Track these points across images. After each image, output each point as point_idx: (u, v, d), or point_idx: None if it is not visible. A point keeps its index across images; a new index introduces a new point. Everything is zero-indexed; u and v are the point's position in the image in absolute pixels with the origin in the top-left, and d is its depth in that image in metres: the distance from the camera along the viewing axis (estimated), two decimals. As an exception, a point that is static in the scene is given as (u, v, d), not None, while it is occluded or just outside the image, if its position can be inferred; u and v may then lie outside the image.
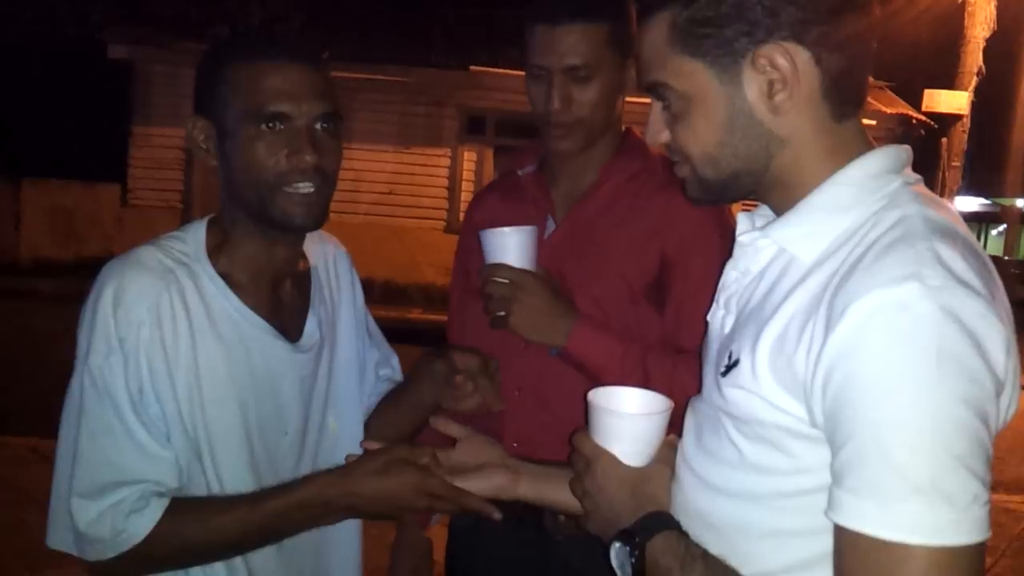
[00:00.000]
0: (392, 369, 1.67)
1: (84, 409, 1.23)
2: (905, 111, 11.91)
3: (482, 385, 1.47)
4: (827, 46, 0.95)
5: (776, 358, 0.93)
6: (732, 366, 1.00)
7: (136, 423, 1.23)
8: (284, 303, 1.41)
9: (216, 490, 1.29)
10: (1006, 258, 23.93)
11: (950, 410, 0.81)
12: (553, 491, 1.27)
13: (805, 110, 0.97)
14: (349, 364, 1.52)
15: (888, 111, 11.56)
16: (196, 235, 1.35)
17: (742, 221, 1.12)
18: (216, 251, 1.35)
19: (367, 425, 1.57)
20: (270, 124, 1.27)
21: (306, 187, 1.30)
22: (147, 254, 1.29)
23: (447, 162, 12.09)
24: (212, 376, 1.28)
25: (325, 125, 1.32)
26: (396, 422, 1.58)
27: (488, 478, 1.29)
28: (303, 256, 1.47)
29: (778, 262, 1.02)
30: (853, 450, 0.84)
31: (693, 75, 0.98)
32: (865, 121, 1.03)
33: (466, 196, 11.59)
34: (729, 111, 0.98)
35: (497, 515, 1.28)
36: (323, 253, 1.53)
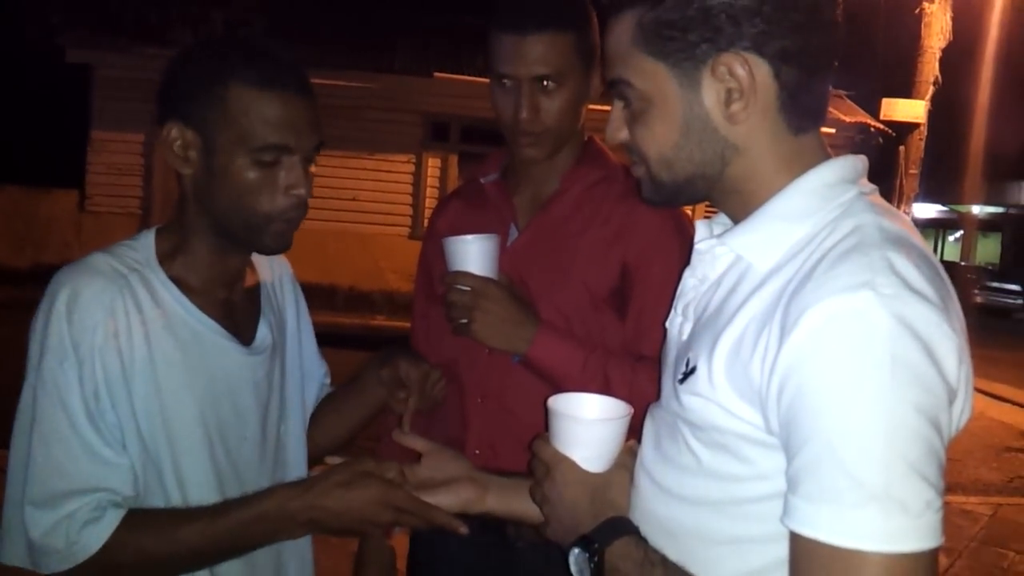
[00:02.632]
0: (329, 381, 1.68)
1: (37, 417, 1.21)
2: (864, 120, 12.09)
3: (422, 395, 1.49)
4: (787, 61, 0.96)
5: (732, 365, 0.94)
6: (689, 373, 1.00)
7: (90, 430, 1.21)
8: (236, 308, 1.40)
9: (177, 496, 1.27)
10: (963, 263, 24.38)
11: (904, 418, 0.82)
12: (521, 503, 1.26)
13: (761, 121, 0.98)
14: (294, 373, 1.52)
15: (847, 120, 11.73)
16: (146, 243, 1.34)
17: (700, 229, 1.13)
18: (168, 257, 1.33)
19: (311, 427, 1.57)
20: (270, 156, 1.26)
21: (292, 221, 1.32)
22: (100, 260, 1.28)
23: (411, 168, 12.06)
24: (170, 379, 1.27)
25: (313, 156, 1.33)
26: (340, 422, 1.59)
27: (455, 493, 1.29)
28: (251, 263, 1.47)
29: (735, 269, 1.03)
30: (808, 457, 0.85)
31: (654, 76, 0.99)
32: (824, 130, 1.04)
33: (430, 203, 11.56)
34: (686, 115, 0.99)
35: (464, 530, 1.27)
36: (269, 263, 1.53)
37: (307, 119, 1.29)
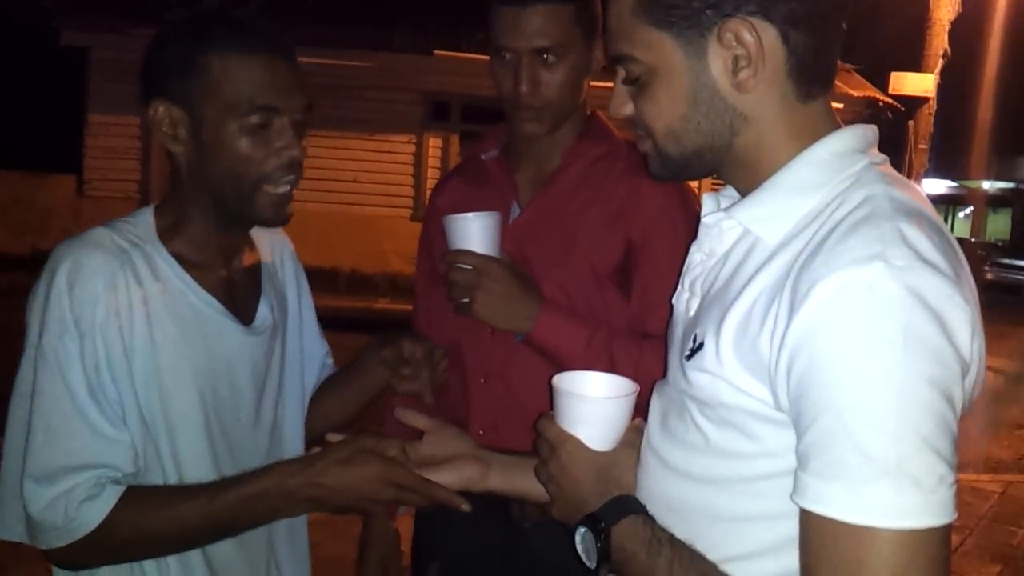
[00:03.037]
0: (331, 362, 1.67)
1: (37, 392, 1.20)
2: (872, 94, 12.02)
3: (423, 375, 1.49)
4: (795, 24, 0.93)
5: (740, 341, 0.92)
6: (696, 349, 0.99)
7: (91, 405, 1.20)
8: (236, 286, 1.40)
9: (173, 475, 1.26)
10: (973, 239, 24.31)
11: (916, 391, 0.80)
12: (524, 481, 1.25)
13: (770, 88, 0.96)
14: (294, 355, 1.51)
15: (855, 94, 11.67)
16: (145, 219, 1.33)
17: (707, 202, 1.11)
18: (167, 233, 1.33)
19: (310, 409, 1.56)
20: (258, 118, 1.26)
21: (287, 183, 1.30)
22: (101, 234, 1.27)
23: (412, 149, 12.01)
24: (169, 356, 1.26)
25: (303, 119, 1.31)
26: (340, 405, 1.59)
27: (458, 470, 1.28)
28: (252, 243, 1.46)
29: (743, 243, 1.01)
30: (818, 433, 0.83)
31: (659, 47, 0.97)
32: (833, 104, 1.02)
33: (432, 183, 11.51)
34: (693, 85, 0.97)
35: (466, 507, 1.26)
36: (270, 242, 1.52)
37: (291, 80, 1.29)
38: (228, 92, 1.25)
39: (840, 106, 11.07)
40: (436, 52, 11.18)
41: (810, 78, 0.97)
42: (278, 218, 1.34)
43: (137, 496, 1.21)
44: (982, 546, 4.59)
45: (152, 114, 1.29)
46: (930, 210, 0.93)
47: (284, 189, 1.31)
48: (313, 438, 1.54)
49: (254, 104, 1.26)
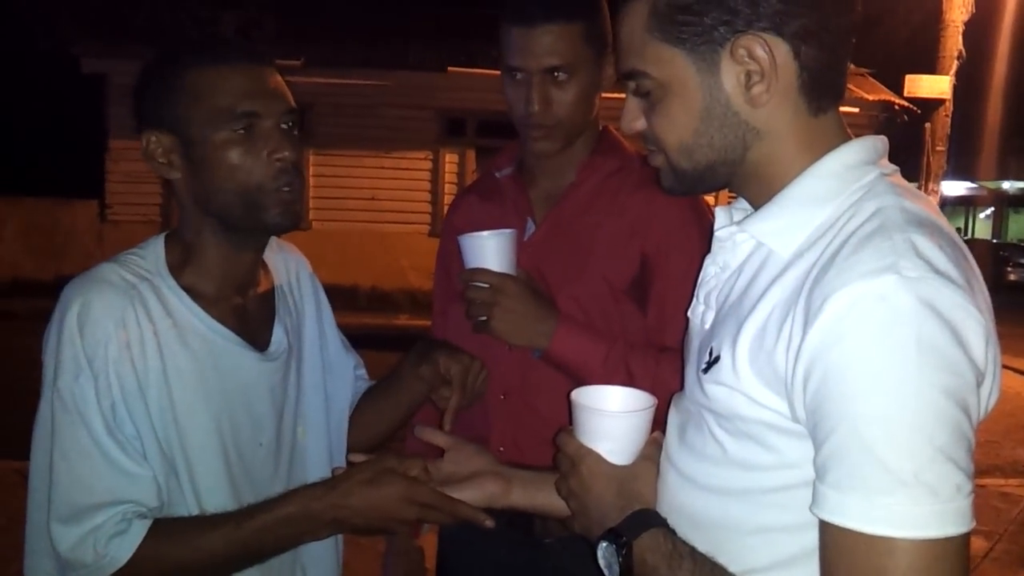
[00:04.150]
0: (363, 372, 1.67)
1: (56, 433, 1.21)
2: (887, 97, 11.95)
3: (464, 390, 1.48)
4: (806, 40, 0.94)
5: (756, 354, 0.93)
6: (713, 362, 0.99)
7: (111, 443, 1.21)
8: (250, 313, 1.40)
9: (194, 505, 1.27)
10: (995, 240, 24.04)
11: (931, 402, 0.81)
12: (546, 497, 1.26)
13: (782, 103, 0.97)
14: (315, 374, 1.51)
15: (870, 98, 11.60)
16: (155, 250, 1.34)
17: (720, 215, 1.11)
18: (178, 265, 1.34)
19: (353, 422, 1.56)
20: (241, 126, 1.27)
21: (288, 188, 1.30)
22: (108, 271, 1.28)
23: (428, 165, 12.07)
24: (183, 390, 1.27)
25: (289, 123, 1.32)
26: (380, 418, 1.58)
27: (480, 487, 1.28)
28: (265, 266, 1.46)
29: (756, 256, 1.02)
30: (835, 444, 0.84)
31: (671, 63, 0.98)
32: (848, 108, 1.03)
33: (449, 199, 11.46)
34: (706, 101, 0.98)
35: (490, 523, 1.26)
36: (284, 262, 1.52)
37: (268, 85, 1.30)
38: (209, 105, 1.26)
39: (856, 110, 11.02)
40: (450, 69, 11.25)
41: (821, 92, 0.98)
42: (288, 220, 1.32)
43: (164, 529, 1.22)
44: (1012, 552, 4.52)
45: (144, 146, 1.30)
46: (941, 220, 0.94)
47: (284, 193, 1.30)
48: (360, 450, 1.53)
49: (235, 111, 1.26)
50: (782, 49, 0.94)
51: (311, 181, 11.34)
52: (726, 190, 1.09)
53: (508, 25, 1.61)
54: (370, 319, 9.95)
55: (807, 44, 0.94)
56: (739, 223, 1.05)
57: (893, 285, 0.83)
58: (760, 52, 0.94)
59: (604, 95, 1.71)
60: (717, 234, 1.09)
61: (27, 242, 11.52)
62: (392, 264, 11.51)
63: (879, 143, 1.01)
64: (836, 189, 0.96)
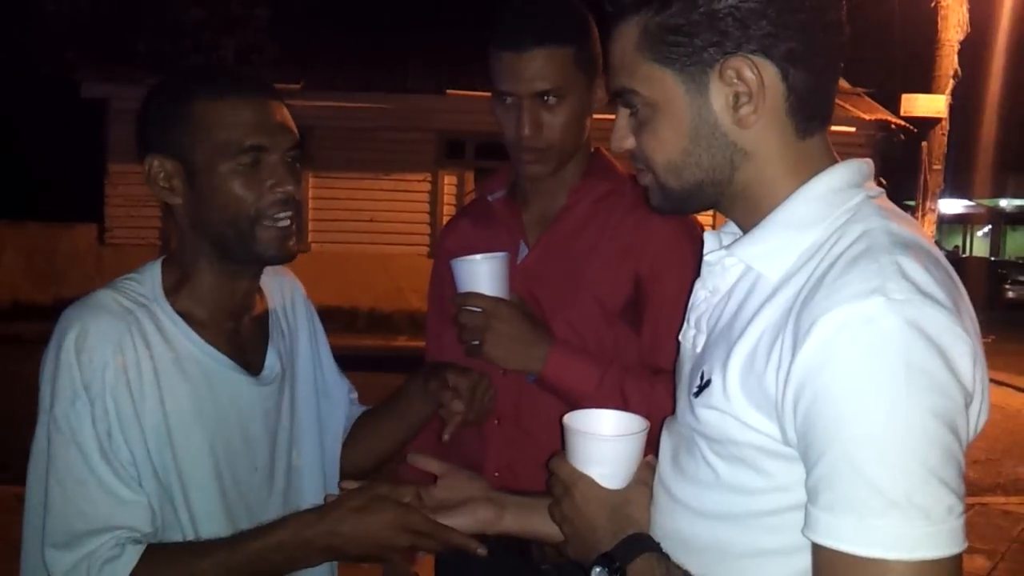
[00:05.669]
0: (355, 396, 1.67)
1: (52, 458, 1.22)
2: (884, 117, 11.99)
3: (472, 404, 1.48)
4: (794, 63, 0.95)
5: (747, 377, 0.93)
6: (704, 386, 0.99)
7: (106, 469, 1.21)
8: (244, 337, 1.41)
9: (189, 529, 1.27)
10: (992, 258, 24.03)
11: (921, 423, 0.81)
12: (539, 522, 1.25)
13: (769, 124, 0.97)
14: (308, 398, 1.51)
15: (867, 118, 11.64)
16: (152, 276, 1.35)
17: (709, 239, 1.12)
18: (174, 290, 1.34)
19: (348, 447, 1.55)
20: (248, 159, 1.28)
21: (286, 219, 1.31)
22: (105, 297, 1.29)
23: (427, 187, 12.11)
24: (179, 415, 1.28)
25: (292, 156, 1.33)
26: (380, 441, 1.58)
27: (472, 513, 1.28)
28: (259, 289, 1.47)
29: (746, 280, 1.02)
30: (826, 467, 0.84)
31: (661, 82, 0.98)
32: (845, 128, 1.04)
33: (448, 220, 11.57)
34: (695, 121, 0.98)
35: (482, 551, 1.26)
36: (278, 285, 1.53)
37: (276, 119, 1.32)
38: (217, 136, 1.28)
39: (852, 130, 11.03)
40: (449, 92, 11.31)
41: (808, 115, 0.98)
42: (282, 253, 1.34)
43: (157, 555, 1.22)
44: (1014, 571, 4.49)
45: (147, 170, 1.32)
46: (928, 242, 0.94)
47: (283, 224, 1.32)
48: (354, 475, 1.50)
49: (243, 145, 1.28)
50: (770, 71, 0.95)
51: (310, 204, 11.39)
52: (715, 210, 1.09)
53: (497, 50, 1.62)
54: (369, 341, 9.96)
55: (795, 67, 0.95)
56: (728, 247, 1.06)
57: (880, 307, 0.83)
58: (748, 74, 0.95)
59: (595, 116, 1.72)
60: (706, 258, 1.09)
61: (27, 266, 11.54)
62: (391, 286, 11.52)
63: (864, 166, 1.01)
64: (823, 212, 0.97)
